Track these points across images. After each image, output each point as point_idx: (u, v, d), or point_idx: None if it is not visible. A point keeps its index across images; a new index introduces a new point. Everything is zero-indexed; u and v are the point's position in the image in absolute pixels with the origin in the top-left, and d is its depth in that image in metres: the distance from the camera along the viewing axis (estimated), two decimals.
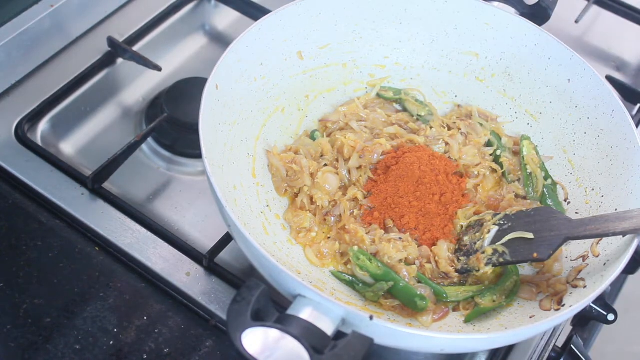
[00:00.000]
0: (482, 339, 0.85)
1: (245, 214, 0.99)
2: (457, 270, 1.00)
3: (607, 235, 0.92)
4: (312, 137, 1.13)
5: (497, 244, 0.99)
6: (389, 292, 0.96)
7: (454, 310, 0.99)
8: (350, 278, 0.99)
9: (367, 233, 1.02)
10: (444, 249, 1.01)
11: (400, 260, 0.99)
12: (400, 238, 1.01)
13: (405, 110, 1.19)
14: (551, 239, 0.95)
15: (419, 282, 0.98)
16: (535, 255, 0.95)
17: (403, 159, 1.06)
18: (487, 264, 0.98)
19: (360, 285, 0.98)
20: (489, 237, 1.00)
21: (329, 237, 1.04)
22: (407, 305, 0.96)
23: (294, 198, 1.07)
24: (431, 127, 1.15)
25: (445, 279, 1.00)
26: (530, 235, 0.97)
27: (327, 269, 1.01)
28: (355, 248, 0.99)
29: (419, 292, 0.95)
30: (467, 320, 0.96)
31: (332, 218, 1.05)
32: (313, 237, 1.03)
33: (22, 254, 1.01)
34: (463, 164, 1.11)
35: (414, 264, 1.00)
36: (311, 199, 1.05)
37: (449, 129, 1.15)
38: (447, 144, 1.12)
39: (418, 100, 1.19)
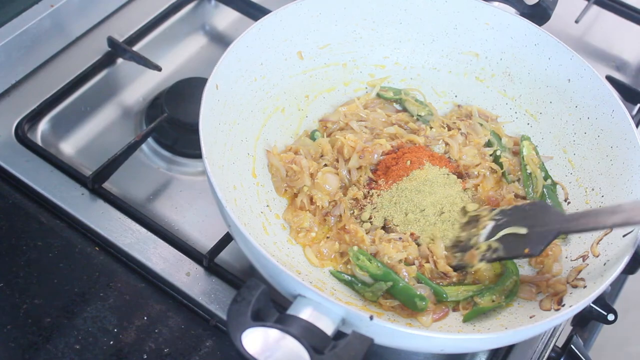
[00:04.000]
0: (482, 339, 0.85)
1: (245, 214, 0.99)
2: (452, 266, 1.00)
3: (598, 228, 0.92)
4: (312, 137, 1.13)
5: (491, 239, 0.98)
6: (389, 292, 0.96)
7: (454, 310, 0.99)
8: (350, 278, 0.99)
9: (366, 233, 1.02)
10: (440, 247, 1.01)
11: (400, 261, 0.99)
12: (400, 238, 1.01)
13: (405, 110, 1.19)
14: (543, 233, 0.94)
15: (418, 282, 0.98)
16: (526, 250, 0.94)
17: (402, 159, 1.06)
18: (480, 260, 0.98)
19: (360, 285, 0.98)
20: (484, 233, 1.00)
21: (328, 237, 1.04)
22: (407, 305, 0.96)
23: (294, 198, 1.07)
24: (431, 128, 1.15)
25: (444, 278, 1.00)
26: (524, 230, 0.96)
27: (327, 268, 1.01)
28: (355, 248, 0.99)
29: (418, 292, 0.95)
30: (466, 319, 0.96)
31: (332, 218, 1.05)
32: (313, 237, 1.03)
33: (22, 254, 1.01)
34: (463, 164, 1.11)
35: (414, 264, 1.00)
36: (311, 199, 1.05)
37: (449, 129, 1.15)
38: (447, 144, 1.12)
39: (418, 100, 1.19)
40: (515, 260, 1.01)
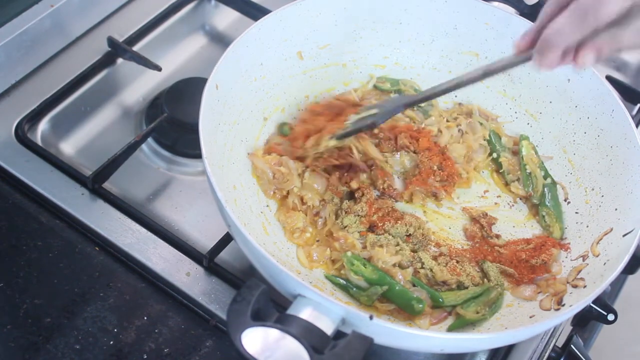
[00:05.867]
0: (482, 339, 0.85)
1: (245, 214, 0.99)
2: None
3: (438, 94, 0.99)
4: (282, 130, 1.12)
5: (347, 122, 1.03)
6: (385, 296, 0.96)
7: (450, 314, 0.98)
8: (345, 282, 0.98)
9: (357, 239, 1.01)
10: (429, 261, 1.00)
11: (395, 264, 0.98)
12: (397, 244, 1.01)
13: None
14: (392, 109, 1.03)
15: (414, 285, 0.98)
16: (370, 121, 1.01)
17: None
18: (330, 138, 1.02)
19: (354, 289, 0.97)
20: (347, 123, 1.04)
21: (318, 241, 1.03)
22: (404, 308, 0.95)
23: (283, 199, 1.06)
24: (431, 116, 1.16)
25: (442, 286, 1.00)
26: (374, 111, 1.02)
27: (318, 270, 1.00)
28: (349, 253, 0.98)
29: (415, 295, 0.95)
30: (450, 329, 0.95)
31: (320, 220, 1.04)
32: (307, 237, 1.03)
33: (22, 254, 1.01)
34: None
35: (408, 267, 1.00)
36: (301, 199, 1.05)
37: (447, 121, 1.16)
38: (440, 131, 1.13)
39: (417, 91, 1.19)
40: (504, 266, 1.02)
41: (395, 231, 1.02)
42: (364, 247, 1.01)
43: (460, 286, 1.00)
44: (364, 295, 0.96)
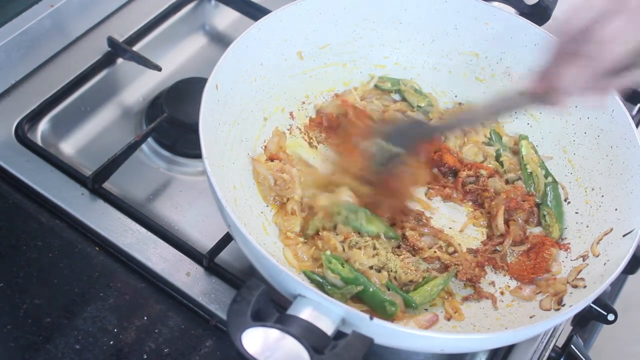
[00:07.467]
0: (482, 339, 0.85)
1: (245, 214, 0.99)
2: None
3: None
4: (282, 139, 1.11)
5: None
6: (358, 297, 0.95)
7: (448, 319, 0.98)
8: (321, 279, 0.98)
9: (340, 241, 1.01)
10: (397, 262, 1.00)
11: (371, 267, 0.98)
12: (374, 247, 1.01)
13: (405, 100, 1.19)
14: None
15: (388, 289, 0.97)
16: None
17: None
18: None
19: (329, 287, 0.96)
20: None
21: (305, 242, 1.03)
22: (376, 310, 0.94)
23: (282, 205, 1.05)
24: (430, 120, 1.16)
25: (410, 285, 1.00)
26: None
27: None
28: (328, 252, 0.98)
29: (388, 298, 0.94)
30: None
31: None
32: (301, 241, 1.03)
33: (22, 254, 1.01)
34: (466, 163, 1.11)
35: (383, 272, 0.99)
36: (301, 204, 1.05)
37: None
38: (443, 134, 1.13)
39: (417, 91, 1.19)
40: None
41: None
42: (344, 249, 1.00)
43: (427, 279, 1.00)
44: (338, 293, 0.95)
